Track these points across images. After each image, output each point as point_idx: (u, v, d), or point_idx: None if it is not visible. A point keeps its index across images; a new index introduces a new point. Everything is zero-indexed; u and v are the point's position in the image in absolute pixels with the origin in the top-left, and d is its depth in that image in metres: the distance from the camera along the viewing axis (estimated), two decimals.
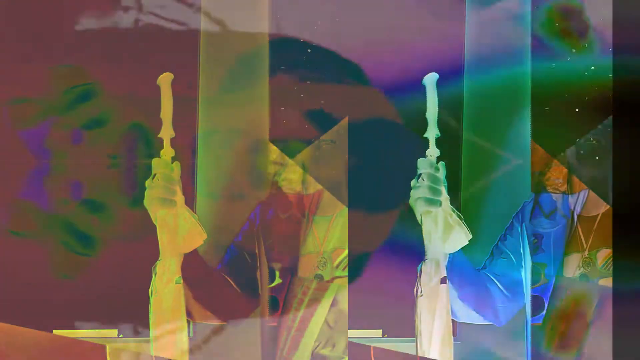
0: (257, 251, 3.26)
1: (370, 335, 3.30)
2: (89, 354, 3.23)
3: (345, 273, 3.22)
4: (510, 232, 3.16)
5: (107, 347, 3.22)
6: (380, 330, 3.30)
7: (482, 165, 3.31)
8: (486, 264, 3.16)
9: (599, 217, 3.10)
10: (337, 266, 3.22)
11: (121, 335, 3.28)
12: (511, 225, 3.17)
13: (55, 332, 3.25)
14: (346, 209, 3.24)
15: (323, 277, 3.22)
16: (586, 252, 3.09)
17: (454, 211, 3.07)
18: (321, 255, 3.23)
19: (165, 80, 3.12)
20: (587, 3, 3.17)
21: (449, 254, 3.07)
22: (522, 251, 3.14)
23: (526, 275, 3.14)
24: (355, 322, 3.23)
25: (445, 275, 3.06)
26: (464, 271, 3.11)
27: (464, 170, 3.32)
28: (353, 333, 3.24)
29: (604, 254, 3.07)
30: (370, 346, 3.25)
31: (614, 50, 3.06)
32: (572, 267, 3.09)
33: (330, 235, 3.24)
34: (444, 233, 3.06)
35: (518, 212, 3.17)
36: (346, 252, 3.23)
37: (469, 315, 3.15)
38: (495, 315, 3.15)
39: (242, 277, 3.24)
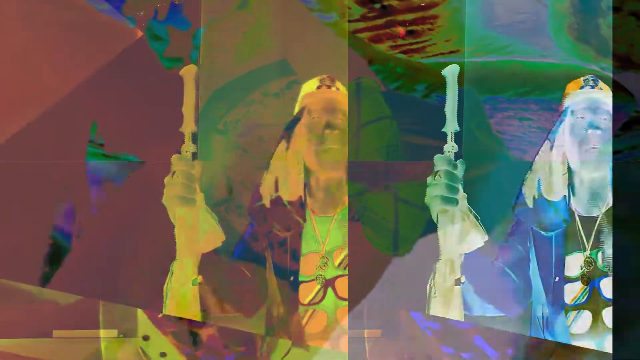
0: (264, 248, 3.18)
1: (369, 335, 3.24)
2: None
3: (347, 272, 3.15)
4: (517, 227, 3.12)
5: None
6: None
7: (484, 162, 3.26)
8: (499, 254, 3.11)
9: (599, 217, 3.11)
10: (339, 265, 3.16)
11: (121, 335, 3.15)
12: (518, 221, 3.13)
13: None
14: (347, 208, 3.18)
15: (324, 277, 3.15)
16: (587, 252, 3.10)
17: (470, 211, 2.99)
18: (323, 254, 3.16)
19: (188, 72, 2.99)
20: None
21: None
22: (529, 245, 3.11)
23: (533, 268, 3.11)
24: None
25: (460, 276, 3.01)
26: (480, 263, 3.05)
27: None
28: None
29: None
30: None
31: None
32: (574, 266, 3.10)
33: (331, 234, 3.17)
34: (459, 233, 2.98)
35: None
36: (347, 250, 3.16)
37: (482, 308, 3.09)
38: (509, 306, 3.10)
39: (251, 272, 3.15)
